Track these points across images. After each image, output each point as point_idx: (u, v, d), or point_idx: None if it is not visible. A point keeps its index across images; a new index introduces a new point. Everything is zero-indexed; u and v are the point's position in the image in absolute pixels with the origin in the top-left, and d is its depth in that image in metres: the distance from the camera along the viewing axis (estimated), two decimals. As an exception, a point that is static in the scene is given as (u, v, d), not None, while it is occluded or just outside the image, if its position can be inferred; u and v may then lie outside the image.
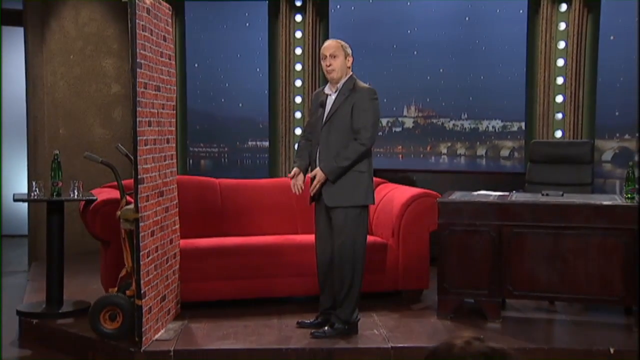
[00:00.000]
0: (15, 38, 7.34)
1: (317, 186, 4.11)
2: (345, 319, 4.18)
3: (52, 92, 6.73)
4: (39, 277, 5.45)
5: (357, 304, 4.22)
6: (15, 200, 4.79)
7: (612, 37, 6.40)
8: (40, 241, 6.29)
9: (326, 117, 4.16)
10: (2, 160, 7.35)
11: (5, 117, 7.91)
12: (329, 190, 4.14)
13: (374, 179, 5.84)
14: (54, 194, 4.66)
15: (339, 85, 4.17)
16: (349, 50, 4.22)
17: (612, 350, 4.01)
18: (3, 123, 7.95)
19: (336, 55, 4.15)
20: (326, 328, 4.20)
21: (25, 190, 6.39)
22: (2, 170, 7.89)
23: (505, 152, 6.96)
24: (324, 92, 4.23)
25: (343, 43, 4.23)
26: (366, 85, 4.21)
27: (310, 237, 5.09)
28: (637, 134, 6.36)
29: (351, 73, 4.22)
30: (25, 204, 6.57)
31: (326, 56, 4.17)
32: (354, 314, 4.20)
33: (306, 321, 4.33)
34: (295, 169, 4.30)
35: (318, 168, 4.11)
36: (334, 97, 4.17)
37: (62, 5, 6.71)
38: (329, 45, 4.20)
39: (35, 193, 4.69)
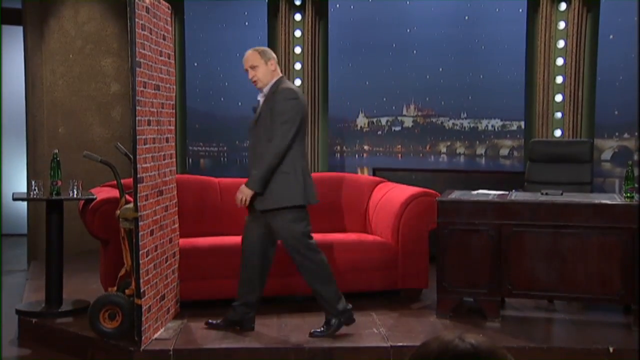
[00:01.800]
0: (14, 37, 7.34)
1: (245, 199, 4.09)
2: (334, 312, 4.17)
3: (52, 91, 6.73)
4: (39, 276, 5.45)
5: (337, 293, 4.19)
6: (14, 199, 4.79)
7: (611, 36, 6.40)
8: (39, 240, 6.29)
9: (254, 121, 4.19)
10: (0, 159, 7.35)
11: (5, 116, 7.89)
12: (257, 194, 4.15)
13: (373, 178, 5.86)
14: (53, 193, 4.66)
15: (265, 90, 4.17)
16: (268, 55, 4.19)
17: (611, 349, 4.01)
18: (2, 122, 7.96)
19: (256, 65, 4.14)
20: (323, 327, 4.20)
21: (24, 189, 6.38)
22: (2, 170, 7.90)
23: (504, 151, 6.97)
24: (257, 99, 4.26)
25: (261, 50, 4.21)
26: (286, 85, 4.17)
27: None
28: (636, 133, 6.36)
29: (279, 76, 4.20)
30: (25, 203, 6.57)
31: (247, 69, 4.17)
32: (339, 304, 4.18)
33: (212, 321, 4.30)
34: None
35: (242, 186, 4.11)
36: (261, 102, 4.20)
37: (61, 4, 6.71)
38: (247, 57, 4.19)
39: (35, 192, 4.69)
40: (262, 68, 4.15)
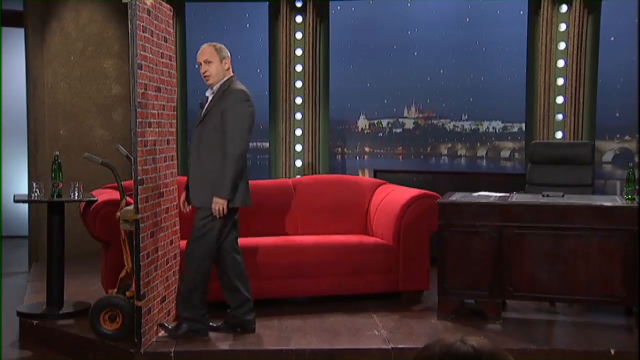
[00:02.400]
0: (16, 39, 7.34)
1: (222, 209, 4.04)
2: (186, 317, 4.13)
3: (53, 93, 6.74)
4: (40, 278, 5.45)
5: (197, 305, 4.13)
6: (16, 201, 4.79)
7: (612, 38, 6.40)
8: (41, 242, 6.29)
9: (201, 118, 4.17)
10: (2, 161, 7.36)
11: (6, 118, 7.91)
12: (193, 189, 4.14)
13: (374, 180, 5.86)
14: (55, 195, 4.66)
15: (215, 88, 4.15)
16: (225, 53, 4.16)
17: (612, 352, 4.00)
18: (4, 124, 7.96)
19: (211, 61, 4.12)
20: (174, 325, 4.15)
21: (26, 191, 6.39)
22: (3, 172, 7.90)
23: (505, 154, 6.96)
24: (205, 95, 4.23)
25: (218, 46, 4.18)
26: (239, 87, 4.14)
27: (311, 239, 5.11)
28: (637, 135, 6.36)
29: (231, 75, 4.18)
30: (26, 205, 6.57)
31: (201, 63, 4.14)
32: (194, 311, 4.13)
33: (213, 325, 4.26)
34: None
35: (214, 199, 4.03)
36: (210, 98, 4.17)
37: (62, 6, 6.71)
38: (202, 51, 4.16)
39: (36, 194, 4.69)
40: (217, 65, 4.12)
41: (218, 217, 4.07)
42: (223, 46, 4.22)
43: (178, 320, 4.21)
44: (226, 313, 4.30)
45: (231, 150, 4.03)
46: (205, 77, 4.16)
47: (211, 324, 4.30)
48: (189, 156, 4.27)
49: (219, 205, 4.05)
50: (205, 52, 4.15)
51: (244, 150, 4.07)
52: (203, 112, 4.17)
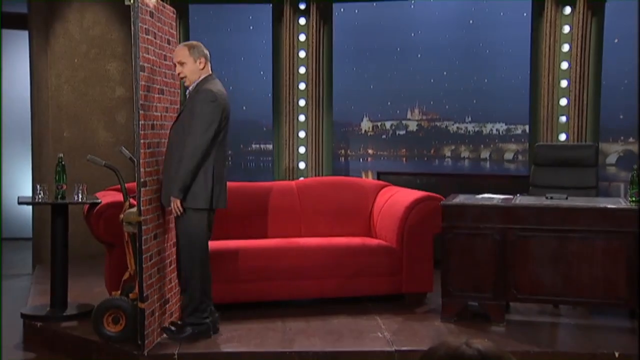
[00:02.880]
0: (20, 41, 7.36)
1: (176, 206, 4.00)
2: (188, 321, 4.13)
3: (57, 95, 6.75)
4: (43, 280, 5.45)
5: (202, 305, 4.13)
6: (19, 203, 4.80)
7: (616, 40, 6.39)
8: (44, 244, 6.30)
9: (176, 117, 4.16)
10: (2, 163, 7.38)
11: (10, 120, 7.94)
12: (164, 190, 4.11)
13: (377, 181, 5.85)
14: (58, 197, 4.67)
15: (190, 88, 4.12)
16: (199, 52, 4.08)
17: (617, 354, 3.99)
18: (8, 126, 7.99)
19: (184, 62, 4.06)
20: (176, 328, 4.15)
21: (29, 193, 6.40)
22: (6, 173, 7.92)
23: (509, 155, 6.95)
24: (186, 94, 4.21)
25: (192, 45, 4.11)
26: (209, 86, 4.06)
27: (314, 240, 5.11)
28: (638, 136, 6.34)
29: (207, 74, 4.12)
30: (30, 207, 6.58)
31: (175, 64, 4.11)
32: (195, 315, 4.13)
33: (169, 328, 4.22)
34: None
35: (171, 198, 4.01)
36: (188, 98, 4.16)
37: (66, 8, 6.73)
38: (176, 52, 4.11)
39: (40, 196, 4.70)
40: (190, 65, 4.06)
41: (176, 215, 4.02)
42: (198, 44, 4.15)
43: (181, 323, 4.21)
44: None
45: (186, 147, 3.97)
46: (180, 78, 4.14)
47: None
48: None
49: (173, 202, 4.00)
50: (178, 53, 4.09)
51: (200, 146, 3.96)
52: (178, 113, 4.17)
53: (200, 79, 4.11)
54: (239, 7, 7.11)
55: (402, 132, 7.16)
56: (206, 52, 4.15)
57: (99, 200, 4.71)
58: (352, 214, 5.43)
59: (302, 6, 6.79)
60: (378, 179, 6.34)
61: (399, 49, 7.03)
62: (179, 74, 4.12)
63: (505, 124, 6.92)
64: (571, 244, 4.37)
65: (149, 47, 4.03)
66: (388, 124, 7.17)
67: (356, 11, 7.09)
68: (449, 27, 6.94)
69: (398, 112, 7.14)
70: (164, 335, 4.16)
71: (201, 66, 4.10)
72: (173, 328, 4.16)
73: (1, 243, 6.37)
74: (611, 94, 6.40)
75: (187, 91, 4.17)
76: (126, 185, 4.43)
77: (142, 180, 3.90)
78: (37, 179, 6.53)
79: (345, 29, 6.99)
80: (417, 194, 5.12)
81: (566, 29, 6.36)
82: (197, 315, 4.14)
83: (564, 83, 6.38)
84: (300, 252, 4.91)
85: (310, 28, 6.75)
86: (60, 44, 6.73)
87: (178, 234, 4.16)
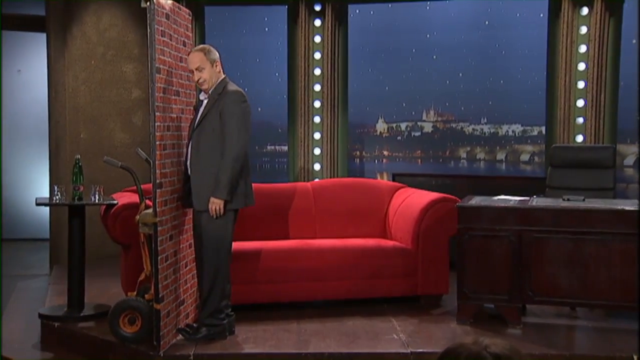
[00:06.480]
0: (38, 44, 7.43)
1: (218, 208, 4.03)
2: (205, 322, 4.14)
3: (74, 97, 6.80)
4: (61, 280, 5.49)
5: (221, 304, 4.14)
6: (37, 204, 4.83)
7: (634, 41, 6.33)
8: (61, 245, 6.35)
9: (197, 121, 4.15)
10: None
11: (28, 122, 8.04)
12: (197, 194, 4.11)
13: (392, 183, 5.84)
14: (76, 198, 4.70)
15: (210, 90, 4.13)
16: (214, 56, 4.12)
17: (635, 357, 3.95)
18: (25, 128, 8.08)
19: (203, 67, 4.08)
20: (191, 329, 4.17)
21: (47, 194, 6.45)
22: (24, 175, 8.02)
23: (525, 157, 6.91)
24: (199, 98, 4.22)
25: (206, 50, 4.13)
26: (235, 88, 4.13)
27: (330, 242, 5.11)
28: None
29: (223, 76, 4.16)
30: (47, 208, 6.63)
31: (192, 71, 4.12)
32: (213, 317, 4.14)
33: (184, 329, 4.24)
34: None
35: (211, 199, 4.03)
36: (205, 101, 4.16)
37: (83, 11, 6.78)
38: (192, 59, 4.12)
39: (57, 197, 4.74)
40: (209, 69, 4.09)
41: (214, 216, 4.05)
42: (211, 47, 4.18)
43: (197, 324, 4.22)
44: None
45: (228, 150, 4.02)
46: (199, 83, 4.15)
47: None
48: (186, 160, 4.23)
49: (215, 205, 4.03)
50: (194, 59, 4.11)
51: (241, 150, 4.04)
52: (199, 116, 4.17)
53: (219, 81, 4.14)
54: (255, 9, 7.13)
55: (418, 134, 7.14)
56: (218, 55, 4.19)
57: (116, 202, 4.74)
58: (368, 216, 5.42)
59: (318, 7, 6.79)
60: (393, 180, 6.33)
61: (414, 50, 7.01)
62: (198, 79, 4.12)
63: (522, 125, 6.88)
64: (588, 246, 4.34)
65: (165, 48, 4.05)
66: (403, 126, 7.16)
67: (371, 12, 7.08)
68: (465, 28, 6.91)
69: (413, 113, 7.12)
70: (180, 336, 4.17)
71: (217, 69, 4.14)
72: (188, 329, 4.18)
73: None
74: (629, 95, 6.34)
75: (204, 95, 4.17)
76: (142, 186, 4.45)
77: (157, 181, 3.92)
78: (54, 180, 6.59)
79: (360, 30, 6.99)
80: (432, 195, 5.11)
81: (583, 29, 6.32)
82: (215, 316, 4.16)
83: (581, 84, 6.34)
84: (315, 254, 4.91)
85: (326, 29, 6.76)
86: (77, 46, 6.78)
87: (202, 235, 4.14)
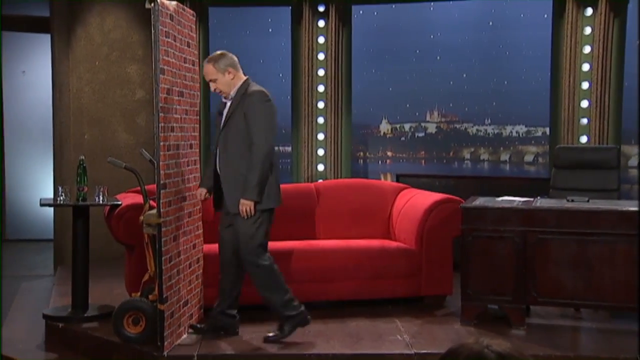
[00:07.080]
0: (42, 45, 7.45)
1: (249, 209, 4.04)
2: (284, 318, 4.17)
3: (78, 97, 6.81)
4: (65, 281, 5.50)
5: (285, 296, 4.17)
6: (41, 205, 4.84)
7: (638, 42, 6.32)
8: (66, 245, 6.35)
9: (222, 123, 4.17)
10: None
11: (32, 123, 8.06)
12: (229, 196, 4.13)
13: (396, 184, 5.84)
14: (80, 199, 4.71)
15: (232, 93, 4.15)
16: (224, 63, 4.11)
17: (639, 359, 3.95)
18: (30, 129, 8.10)
19: (215, 78, 4.11)
20: (276, 332, 4.19)
21: (51, 195, 6.46)
22: (28, 175, 8.04)
23: (529, 158, 6.91)
24: (223, 101, 4.23)
25: (215, 59, 4.13)
26: (257, 88, 4.16)
27: (333, 243, 5.11)
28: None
29: (244, 78, 4.18)
30: (52, 209, 6.64)
31: (208, 82, 4.17)
32: (288, 310, 4.17)
33: (197, 325, 4.30)
34: (202, 190, 4.30)
35: (241, 200, 4.05)
36: (229, 104, 4.18)
37: (87, 12, 6.79)
38: (205, 71, 4.15)
39: (61, 198, 4.74)
40: (221, 79, 4.12)
41: (245, 217, 4.06)
42: (221, 55, 4.17)
43: (279, 323, 4.19)
44: (210, 313, 4.31)
45: (255, 151, 4.05)
46: (217, 93, 4.20)
47: (195, 324, 4.31)
48: (211, 161, 4.25)
49: (246, 206, 4.05)
50: (207, 71, 4.15)
51: (268, 150, 4.07)
52: (224, 118, 4.19)
53: (240, 83, 4.16)
54: (258, 10, 7.13)
55: (421, 134, 7.14)
56: (232, 60, 4.17)
57: (120, 202, 4.74)
58: (371, 216, 5.42)
59: (321, 8, 6.79)
60: (397, 181, 6.33)
61: (418, 51, 7.01)
62: (214, 90, 4.18)
63: (525, 126, 6.87)
64: (592, 247, 4.33)
65: (169, 49, 4.06)
66: (407, 126, 7.15)
67: (375, 13, 7.07)
68: (468, 29, 6.90)
69: (417, 114, 7.12)
70: (185, 336, 4.18)
71: (231, 76, 4.14)
72: (271, 334, 4.18)
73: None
74: (633, 96, 6.32)
75: (225, 99, 4.18)
76: (146, 187, 4.46)
77: (161, 182, 3.92)
78: (58, 181, 6.60)
79: (364, 31, 6.99)
80: (436, 196, 5.11)
81: (587, 30, 6.30)
82: (287, 307, 4.17)
83: (585, 85, 6.32)
84: (319, 255, 4.91)
85: (330, 30, 6.75)
86: (81, 47, 6.79)
87: (240, 237, 4.12)
